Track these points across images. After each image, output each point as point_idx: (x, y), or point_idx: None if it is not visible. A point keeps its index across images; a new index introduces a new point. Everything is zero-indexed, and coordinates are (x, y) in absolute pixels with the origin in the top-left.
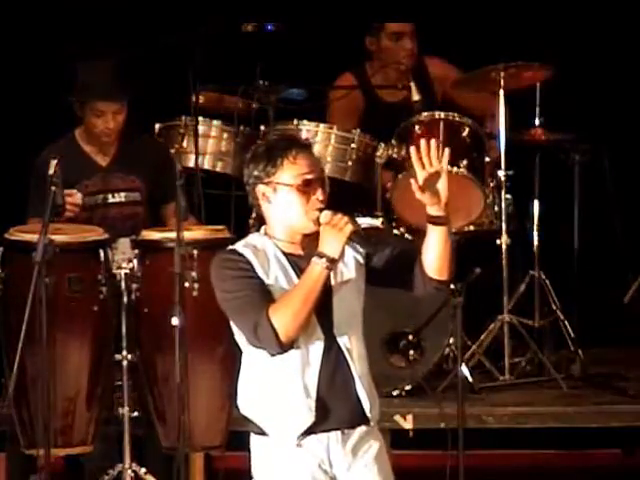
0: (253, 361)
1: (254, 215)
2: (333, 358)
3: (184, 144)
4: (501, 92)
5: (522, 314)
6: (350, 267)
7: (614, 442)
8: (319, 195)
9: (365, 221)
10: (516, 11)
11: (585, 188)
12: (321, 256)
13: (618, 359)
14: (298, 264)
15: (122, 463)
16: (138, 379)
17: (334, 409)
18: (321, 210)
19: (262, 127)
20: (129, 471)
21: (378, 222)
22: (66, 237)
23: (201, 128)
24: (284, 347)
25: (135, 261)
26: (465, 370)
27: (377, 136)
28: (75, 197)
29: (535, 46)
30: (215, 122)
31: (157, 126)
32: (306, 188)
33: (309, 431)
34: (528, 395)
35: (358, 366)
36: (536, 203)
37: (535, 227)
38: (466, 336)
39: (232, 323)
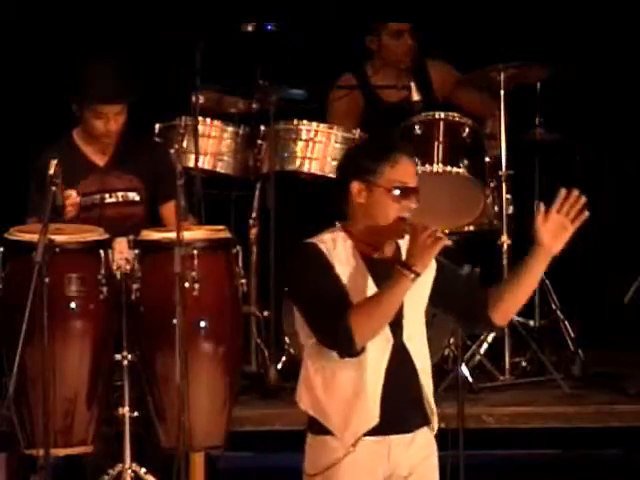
0: (317, 359)
1: (254, 215)
2: (400, 360)
3: (184, 144)
4: (501, 92)
5: (522, 314)
6: None
7: (614, 442)
8: (411, 204)
9: None
10: (515, 11)
11: (585, 188)
12: (409, 267)
13: (618, 359)
14: (373, 265)
15: (122, 463)
16: (138, 379)
17: (398, 411)
18: (407, 219)
19: (262, 127)
20: (129, 471)
21: None
22: (66, 237)
23: (201, 128)
24: (357, 351)
25: (135, 261)
26: (465, 370)
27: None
28: (72, 198)
29: (535, 46)
30: (215, 122)
31: (157, 126)
32: (401, 195)
33: (372, 432)
34: (528, 395)
35: (424, 368)
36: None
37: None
38: (466, 336)
39: (301, 319)
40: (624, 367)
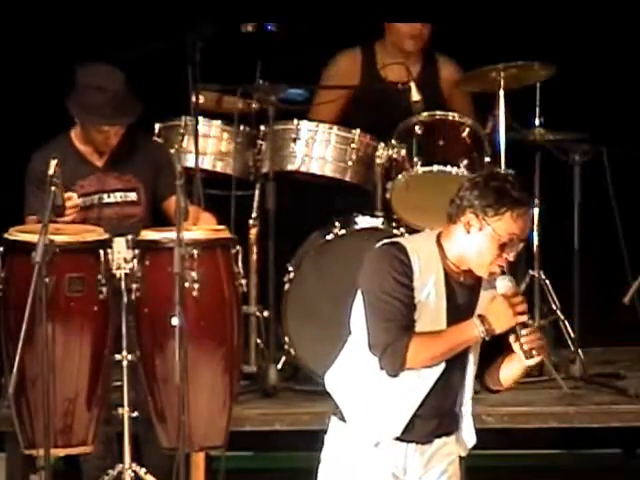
0: (364, 352)
1: (254, 215)
2: (448, 382)
3: (184, 144)
4: (501, 92)
5: None
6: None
7: (614, 442)
8: (511, 256)
9: (365, 221)
10: (516, 11)
11: (585, 188)
12: (484, 322)
13: (618, 359)
14: (452, 289)
15: (122, 463)
16: (138, 379)
17: (427, 427)
18: (502, 269)
19: (262, 127)
20: (129, 471)
21: (378, 222)
22: (66, 237)
23: (201, 128)
24: (398, 374)
25: (135, 261)
26: None
27: (376, 118)
28: (72, 200)
29: (535, 46)
30: (215, 122)
31: (157, 126)
32: (506, 245)
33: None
34: (528, 395)
35: (468, 393)
36: (536, 203)
37: (535, 227)
38: None
39: (363, 312)
40: (624, 367)
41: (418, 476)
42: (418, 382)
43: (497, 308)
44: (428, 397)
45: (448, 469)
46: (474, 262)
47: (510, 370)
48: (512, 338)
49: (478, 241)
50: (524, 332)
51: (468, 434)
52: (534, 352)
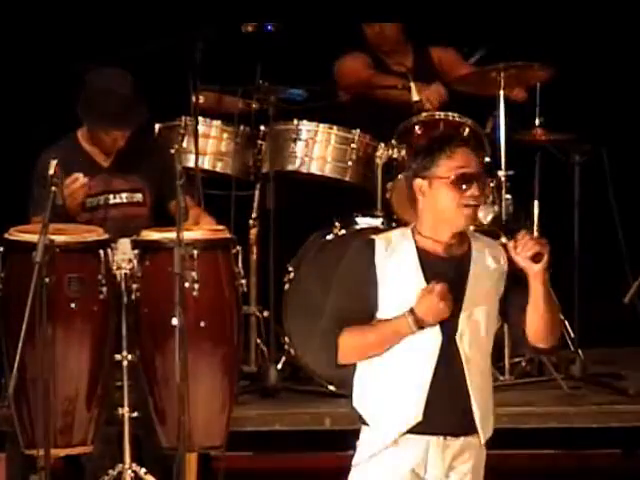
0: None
1: (254, 215)
2: (449, 363)
3: (184, 144)
4: (501, 92)
5: None
6: (491, 275)
7: (614, 442)
8: (474, 191)
9: (365, 221)
10: (516, 11)
11: (585, 188)
12: (417, 319)
13: (618, 359)
14: (432, 266)
15: (122, 463)
16: (138, 379)
17: (442, 413)
18: (475, 207)
19: (262, 127)
20: (129, 471)
21: (378, 222)
22: (66, 237)
23: (201, 128)
24: (339, 367)
25: (135, 261)
26: None
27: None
28: (80, 180)
29: (535, 46)
30: (215, 122)
31: (157, 126)
32: (460, 182)
33: (413, 430)
34: (528, 395)
35: (475, 377)
36: (536, 203)
37: (535, 227)
38: None
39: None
40: (624, 367)
41: (439, 475)
42: (420, 360)
43: (424, 301)
44: (438, 382)
45: (470, 475)
46: (446, 217)
47: (534, 295)
48: (512, 252)
49: (435, 195)
50: (518, 240)
51: (483, 434)
52: (537, 249)
